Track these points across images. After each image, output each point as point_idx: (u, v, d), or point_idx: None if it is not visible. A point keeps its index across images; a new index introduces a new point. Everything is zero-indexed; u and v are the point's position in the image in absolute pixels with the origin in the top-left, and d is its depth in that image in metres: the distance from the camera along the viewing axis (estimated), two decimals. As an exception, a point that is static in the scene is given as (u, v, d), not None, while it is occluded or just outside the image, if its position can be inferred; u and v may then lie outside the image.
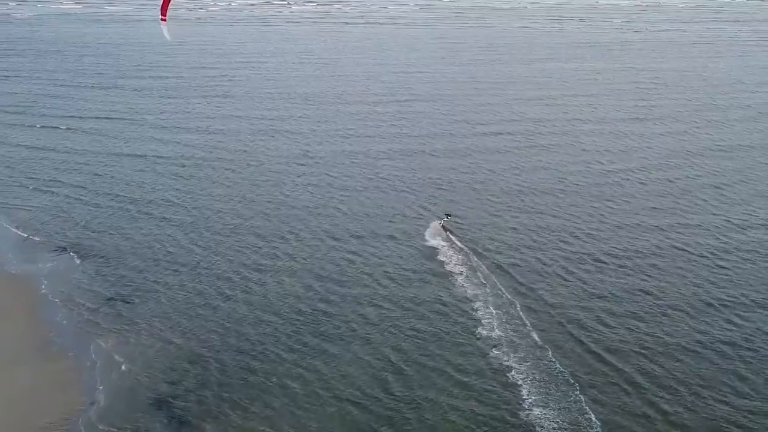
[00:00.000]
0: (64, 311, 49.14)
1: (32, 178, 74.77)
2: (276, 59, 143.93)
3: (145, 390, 40.62)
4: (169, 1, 56.17)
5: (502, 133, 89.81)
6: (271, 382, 40.87)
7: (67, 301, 50.33)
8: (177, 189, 71.20)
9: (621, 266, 54.07)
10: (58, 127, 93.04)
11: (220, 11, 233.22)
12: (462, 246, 57.02)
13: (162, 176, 74.84)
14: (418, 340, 44.68)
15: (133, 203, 67.63)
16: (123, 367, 42.58)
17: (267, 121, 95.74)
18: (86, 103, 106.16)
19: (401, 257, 55.82)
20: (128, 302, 49.98)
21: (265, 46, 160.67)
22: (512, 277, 52.21)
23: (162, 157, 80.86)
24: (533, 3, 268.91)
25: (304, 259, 55.78)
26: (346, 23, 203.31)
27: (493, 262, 54.30)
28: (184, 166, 78.14)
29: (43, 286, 52.65)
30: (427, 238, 58.91)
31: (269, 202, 67.65)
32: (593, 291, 50.41)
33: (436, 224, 60.66)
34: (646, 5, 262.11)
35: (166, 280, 52.94)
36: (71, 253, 57.63)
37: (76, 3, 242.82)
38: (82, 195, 69.87)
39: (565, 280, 52.04)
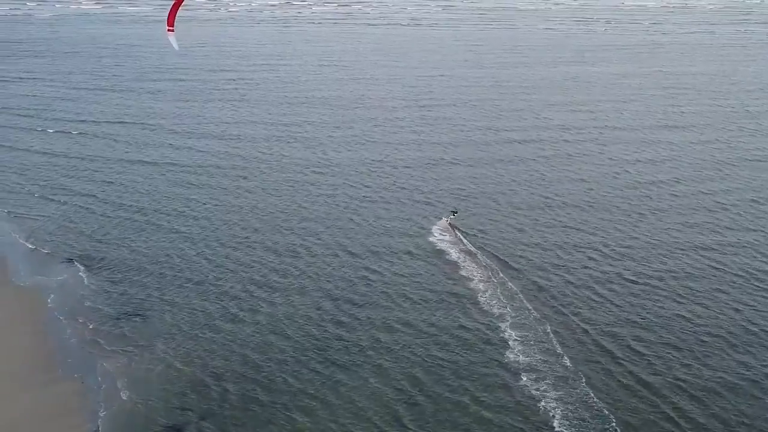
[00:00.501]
0: (70, 329, 47.06)
1: (41, 185, 72.73)
2: (295, 61, 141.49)
3: (146, 420, 38.13)
4: (176, 12, 54.95)
5: (526, 141, 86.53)
6: (277, 415, 38.09)
7: (73, 319, 48.26)
8: (188, 198, 68.78)
9: (653, 287, 50.84)
10: (70, 132, 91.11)
11: (240, 12, 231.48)
12: (487, 263, 54.21)
13: (173, 184, 72.49)
14: (436, 368, 41.71)
15: (143, 213, 65.43)
16: (125, 395, 40.18)
17: (283, 127, 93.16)
18: (100, 106, 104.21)
19: (420, 275, 52.89)
20: (134, 321, 47.66)
21: (284, 47, 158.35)
22: (539, 298, 49.25)
23: (174, 164, 78.54)
24: (557, 4, 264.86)
25: (316, 275, 53.05)
26: (368, 24, 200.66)
27: (520, 281, 51.42)
28: (196, 173, 75.74)
29: (50, 301, 50.63)
30: (434, 234, 58.50)
31: (282, 212, 65.01)
32: (624, 315, 47.27)
33: (443, 222, 60.10)
34: (673, 6, 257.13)
35: (172, 297, 50.53)
36: (79, 266, 55.52)
37: (96, 3, 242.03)
38: (91, 204, 67.74)
39: (593, 301, 48.99)
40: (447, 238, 58.47)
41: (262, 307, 48.86)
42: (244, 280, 52.55)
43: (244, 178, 74.40)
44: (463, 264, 54.13)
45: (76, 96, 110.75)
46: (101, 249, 58.37)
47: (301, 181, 73.11)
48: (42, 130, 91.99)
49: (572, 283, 51.47)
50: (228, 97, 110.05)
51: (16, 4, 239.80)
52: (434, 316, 47.36)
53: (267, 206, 66.64)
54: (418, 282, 51.82)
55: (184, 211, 65.65)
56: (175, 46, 55.30)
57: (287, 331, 45.70)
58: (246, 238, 59.87)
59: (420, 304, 48.91)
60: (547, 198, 68.12)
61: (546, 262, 54.59)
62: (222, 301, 49.80)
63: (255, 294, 50.57)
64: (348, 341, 44.57)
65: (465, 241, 57.57)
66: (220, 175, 75.12)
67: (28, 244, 59.95)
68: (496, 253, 55.79)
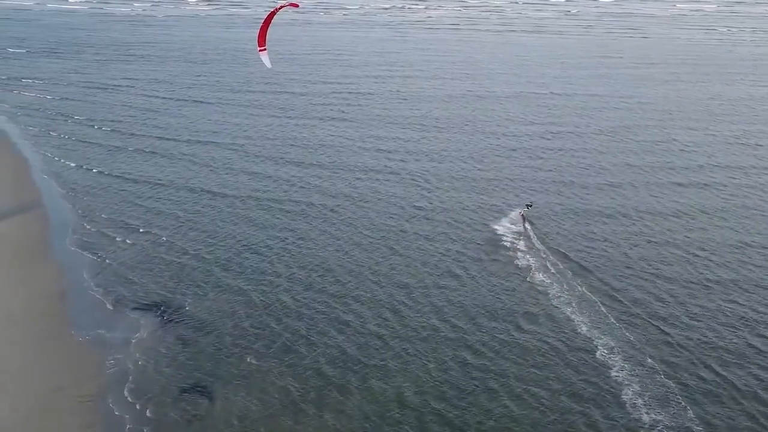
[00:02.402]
0: (130, 403, 39.55)
1: (106, 217, 64.29)
2: (407, 72, 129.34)
3: None
4: (266, 31, 52.82)
5: (685, 186, 71.25)
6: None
7: (135, 390, 40.58)
8: (270, 237, 59.69)
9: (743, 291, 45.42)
10: (146, 151, 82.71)
11: (351, 15, 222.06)
12: (555, 259, 54.38)
13: (254, 221, 63.07)
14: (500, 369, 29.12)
15: (220, 254, 56.75)
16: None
17: (384, 154, 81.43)
18: (187, 120, 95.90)
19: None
20: (200, 401, 39.52)
21: (396, 56, 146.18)
22: (614, 308, 43.69)
23: (257, 196, 68.74)
24: (695, 10, 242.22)
25: (415, 356, 42.68)
26: (487, 30, 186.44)
27: (594, 284, 43.10)
28: (282, 209, 65.72)
29: (109, 364, 42.88)
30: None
31: (379, 263, 54.78)
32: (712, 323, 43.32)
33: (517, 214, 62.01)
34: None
35: (248, 370, 42.03)
36: (142, 321, 47.29)
37: (208, 4, 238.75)
38: (161, 242, 59.06)
39: (675, 306, 45.92)
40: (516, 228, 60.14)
41: (352, 393, 39.58)
42: (331, 351, 43.91)
43: (336, 213, 64.80)
44: (528, 257, 54.35)
45: (165, 108, 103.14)
46: (171, 298, 50.17)
47: (401, 227, 61.33)
48: (117, 148, 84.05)
49: (650, 288, 49.17)
50: (327, 114, 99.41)
51: (132, 5, 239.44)
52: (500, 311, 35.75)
53: (362, 252, 57.26)
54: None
55: (266, 254, 56.82)
56: (268, 64, 53.36)
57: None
58: (337, 291, 51.17)
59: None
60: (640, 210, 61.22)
61: (625, 266, 53.44)
62: (303, 379, 41.17)
63: (344, 373, 41.35)
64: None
65: (533, 234, 58.87)
66: (311, 213, 64.62)
67: (91, 289, 51.78)
68: (566, 251, 55.69)
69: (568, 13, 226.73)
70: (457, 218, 63.39)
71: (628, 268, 53.74)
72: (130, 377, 41.70)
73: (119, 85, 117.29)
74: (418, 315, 47.82)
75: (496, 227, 60.86)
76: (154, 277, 53.31)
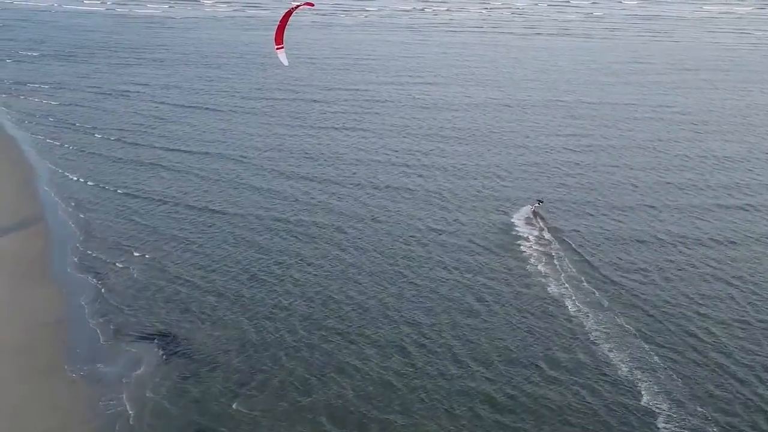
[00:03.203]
0: None
1: (107, 236, 60.74)
2: (425, 77, 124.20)
3: None
4: (284, 30, 52.38)
5: (727, 208, 65.88)
6: None
7: None
8: (276, 263, 55.08)
9: None
10: (151, 163, 78.64)
11: (371, 17, 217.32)
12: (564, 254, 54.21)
13: (259, 244, 59.01)
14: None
15: (222, 282, 52.61)
16: None
17: (399, 169, 76.69)
18: (195, 130, 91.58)
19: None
20: None
21: (416, 61, 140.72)
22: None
23: (262, 215, 64.70)
24: (726, 12, 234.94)
25: (425, 410, 38.01)
26: (510, 33, 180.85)
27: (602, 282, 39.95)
28: (288, 230, 61.55)
29: (106, 405, 38.96)
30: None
31: (388, 294, 50.50)
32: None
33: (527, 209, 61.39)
34: None
35: (249, 416, 38.21)
36: (142, 355, 43.44)
37: (228, 5, 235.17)
38: (163, 266, 55.33)
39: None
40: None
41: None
42: (348, 403, 38.78)
43: (346, 236, 59.63)
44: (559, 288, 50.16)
45: (174, 115, 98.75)
46: (172, 329, 46.16)
47: (414, 252, 56.55)
48: (121, 160, 79.98)
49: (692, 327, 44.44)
50: (342, 123, 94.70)
51: (146, 6, 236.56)
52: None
53: (368, 283, 52.03)
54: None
55: (269, 283, 52.48)
56: (285, 62, 53.13)
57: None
58: (369, 335, 45.98)
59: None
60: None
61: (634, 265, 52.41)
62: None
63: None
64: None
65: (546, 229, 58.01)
66: (318, 235, 60.20)
67: (89, 318, 47.95)
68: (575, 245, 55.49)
69: (592, 15, 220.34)
70: (477, 243, 58.52)
71: (669, 303, 48.67)
72: (129, 420, 37.97)
73: (129, 91, 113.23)
74: (430, 358, 43.08)
75: (520, 253, 55.82)
76: (155, 306, 49.26)
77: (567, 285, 50.49)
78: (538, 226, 59.83)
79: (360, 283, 51.93)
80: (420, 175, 74.27)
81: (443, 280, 52.43)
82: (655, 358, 42.15)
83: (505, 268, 54.06)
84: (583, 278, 51.81)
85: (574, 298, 48.89)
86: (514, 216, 62.17)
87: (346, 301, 49.44)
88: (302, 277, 52.84)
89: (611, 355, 42.57)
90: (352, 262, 55.29)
